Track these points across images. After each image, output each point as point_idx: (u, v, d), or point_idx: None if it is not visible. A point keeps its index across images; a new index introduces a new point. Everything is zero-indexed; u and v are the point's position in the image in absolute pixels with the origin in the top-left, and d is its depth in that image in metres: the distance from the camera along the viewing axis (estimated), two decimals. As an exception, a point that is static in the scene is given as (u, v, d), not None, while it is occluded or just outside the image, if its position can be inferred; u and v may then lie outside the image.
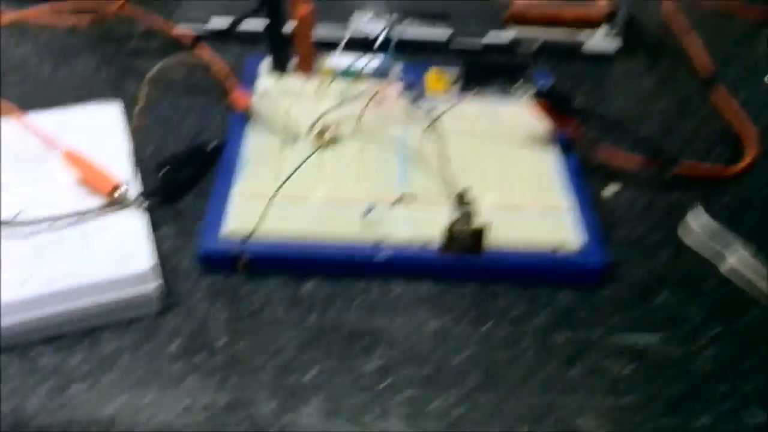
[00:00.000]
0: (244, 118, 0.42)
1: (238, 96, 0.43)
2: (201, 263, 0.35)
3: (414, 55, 0.49)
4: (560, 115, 0.42)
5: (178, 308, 0.33)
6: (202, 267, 0.35)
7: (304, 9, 0.43)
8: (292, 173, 0.37)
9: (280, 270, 0.35)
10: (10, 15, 0.50)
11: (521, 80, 0.45)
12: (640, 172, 0.42)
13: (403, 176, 0.39)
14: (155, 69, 0.38)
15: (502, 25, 0.52)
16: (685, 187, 0.42)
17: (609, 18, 0.53)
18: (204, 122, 0.43)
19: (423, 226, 0.36)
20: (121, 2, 0.49)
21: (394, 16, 0.51)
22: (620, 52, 0.53)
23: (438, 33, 0.52)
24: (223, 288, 0.34)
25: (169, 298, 0.33)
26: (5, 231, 0.34)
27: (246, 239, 0.35)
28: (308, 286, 0.35)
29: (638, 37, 0.55)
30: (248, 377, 0.31)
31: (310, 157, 0.39)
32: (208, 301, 0.34)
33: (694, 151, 0.44)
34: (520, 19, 0.52)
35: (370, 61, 0.46)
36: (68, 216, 0.35)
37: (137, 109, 0.36)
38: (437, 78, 0.47)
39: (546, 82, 0.46)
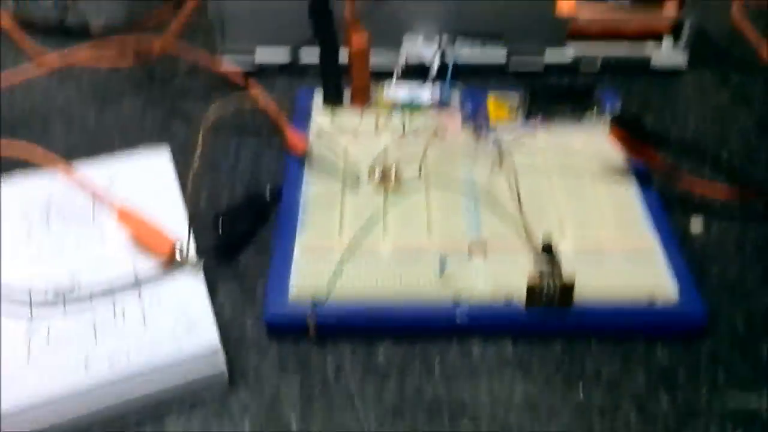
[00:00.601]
0: (300, 160, 0.39)
1: (292, 137, 0.40)
2: (267, 328, 0.33)
3: (471, 79, 0.47)
4: (635, 143, 0.39)
5: (246, 382, 0.31)
6: (267, 332, 0.33)
7: (360, 38, 0.40)
8: (366, 231, 0.35)
9: (351, 333, 0.32)
10: (52, 59, 0.48)
11: (589, 105, 0.42)
12: (728, 203, 0.39)
13: (474, 220, 0.36)
14: (210, 113, 0.36)
15: (562, 41, 0.49)
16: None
17: (675, 29, 0.50)
18: (257, 165, 0.41)
19: (501, 276, 0.33)
20: (164, 39, 0.47)
21: (445, 37, 0.48)
22: (690, 66, 0.50)
23: (494, 54, 0.49)
24: (292, 357, 0.32)
25: (235, 370, 0.31)
26: (60, 308, 0.32)
27: (315, 302, 0.32)
28: (382, 349, 0.32)
29: (708, 49, 0.51)
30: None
31: (372, 203, 0.36)
32: (277, 373, 0.31)
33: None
34: (581, 34, 0.49)
35: (427, 91, 0.43)
36: (124, 285, 0.33)
37: (195, 157, 0.34)
38: (499, 105, 0.44)
39: (614, 103, 0.43)
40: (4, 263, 0.34)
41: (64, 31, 0.52)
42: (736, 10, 0.55)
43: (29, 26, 0.52)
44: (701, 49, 0.50)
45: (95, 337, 0.31)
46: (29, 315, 0.32)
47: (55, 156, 0.39)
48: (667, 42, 0.50)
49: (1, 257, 0.35)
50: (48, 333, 0.31)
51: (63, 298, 0.33)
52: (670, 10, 0.49)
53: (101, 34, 0.52)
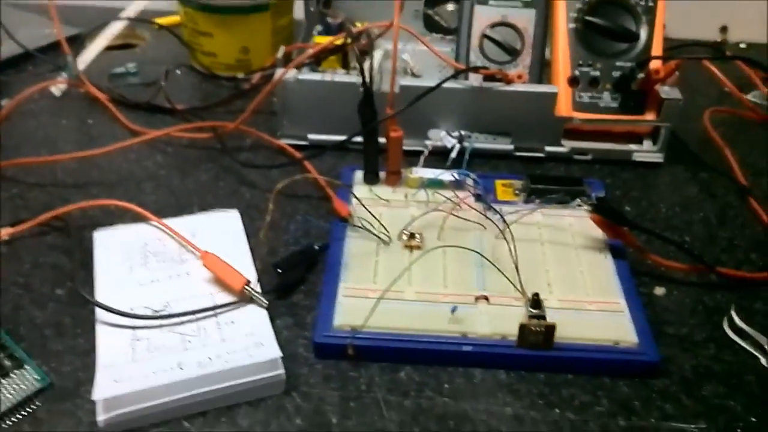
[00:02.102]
0: (343, 223, 0.50)
1: (338, 204, 0.50)
2: (315, 351, 0.42)
3: (484, 162, 0.58)
4: (611, 225, 0.48)
5: (298, 389, 0.40)
6: (315, 354, 0.42)
7: (396, 133, 0.51)
8: (395, 280, 0.44)
9: (381, 358, 0.42)
10: (143, 132, 0.60)
11: (578, 192, 0.52)
12: (686, 275, 0.48)
13: (480, 276, 0.46)
14: (279, 186, 0.46)
15: (558, 139, 0.60)
16: (726, 288, 0.48)
17: (654, 133, 0.60)
18: (308, 225, 0.51)
19: (499, 320, 0.43)
20: (237, 122, 0.58)
21: (464, 133, 0.59)
22: (666, 162, 0.60)
23: (503, 145, 0.60)
24: (334, 373, 0.41)
25: (290, 380, 0.40)
26: (157, 321, 0.42)
27: (354, 332, 0.42)
28: (404, 372, 0.41)
29: (682, 149, 0.62)
30: (358, 450, 0.37)
31: (400, 259, 0.46)
32: (322, 384, 0.40)
33: (731, 256, 0.50)
34: (576, 134, 0.60)
35: (447, 173, 0.53)
36: (205, 311, 0.43)
37: (266, 222, 0.44)
38: (505, 188, 0.54)
39: (598, 192, 0.53)
40: (111, 290, 0.44)
41: (151, 109, 0.64)
42: (706, 118, 0.66)
43: (122, 104, 0.64)
44: (676, 149, 0.61)
45: (185, 348, 0.40)
46: (132, 327, 0.42)
47: (149, 212, 0.49)
48: (647, 142, 0.61)
49: (110, 285, 0.45)
50: (148, 343, 0.41)
51: (158, 317, 0.42)
52: (650, 117, 0.59)
53: (183, 113, 0.63)
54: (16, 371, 0.40)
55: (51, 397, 0.39)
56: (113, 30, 0.74)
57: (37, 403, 0.39)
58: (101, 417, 0.37)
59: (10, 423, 0.38)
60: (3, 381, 0.39)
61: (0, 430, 0.37)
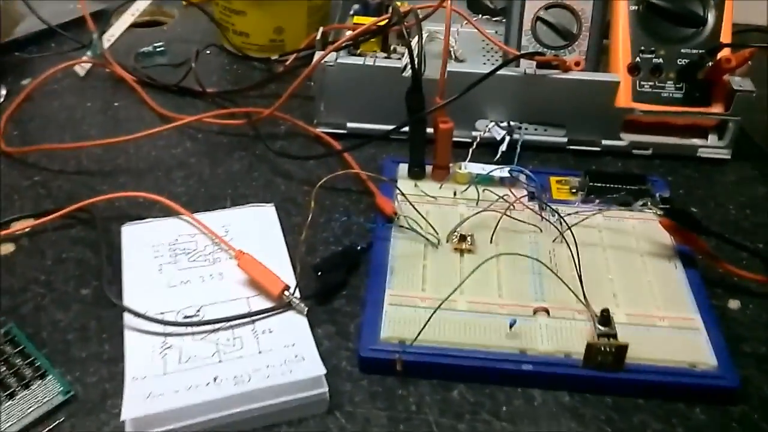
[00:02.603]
0: (388, 221, 0.46)
1: (382, 201, 0.47)
2: (360, 365, 0.38)
3: (534, 155, 0.54)
4: (682, 231, 0.44)
5: (342, 409, 0.37)
6: (360, 368, 0.38)
7: (446, 125, 0.47)
8: (451, 293, 0.41)
9: (432, 374, 0.38)
10: (172, 116, 0.56)
11: (641, 192, 0.48)
12: (763, 285, 0.44)
13: (538, 286, 0.42)
14: (321, 182, 0.42)
15: (617, 132, 0.55)
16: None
17: (720, 127, 0.56)
18: (348, 224, 0.47)
19: (562, 337, 0.39)
20: (272, 109, 0.54)
21: (513, 124, 0.54)
22: (732, 158, 0.55)
23: (556, 137, 0.55)
24: (381, 390, 0.38)
25: (333, 398, 0.37)
26: (189, 329, 0.39)
27: (402, 345, 0.38)
28: (457, 391, 0.38)
29: (749, 144, 0.57)
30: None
31: (450, 263, 0.43)
32: (368, 403, 0.37)
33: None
34: (635, 127, 0.56)
35: (499, 169, 0.49)
36: (242, 317, 0.39)
37: (307, 221, 0.41)
38: (560, 186, 0.50)
39: (663, 192, 0.49)
40: (140, 292, 0.41)
41: (180, 92, 0.60)
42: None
43: (149, 86, 0.60)
44: (743, 144, 0.56)
45: (219, 360, 0.37)
46: (163, 335, 0.38)
47: (179, 204, 0.46)
48: (712, 136, 0.56)
49: (138, 286, 0.41)
50: (180, 352, 0.37)
51: (191, 324, 0.39)
52: (717, 109, 0.55)
53: (214, 97, 0.60)
54: (38, 381, 0.37)
55: (75, 411, 0.36)
56: (140, 6, 0.70)
57: (60, 417, 0.36)
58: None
59: (32, 439, 0.35)
60: (25, 392, 0.36)
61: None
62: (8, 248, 0.45)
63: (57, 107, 0.58)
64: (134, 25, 0.70)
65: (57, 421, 0.35)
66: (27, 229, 0.46)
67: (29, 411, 0.35)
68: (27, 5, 0.65)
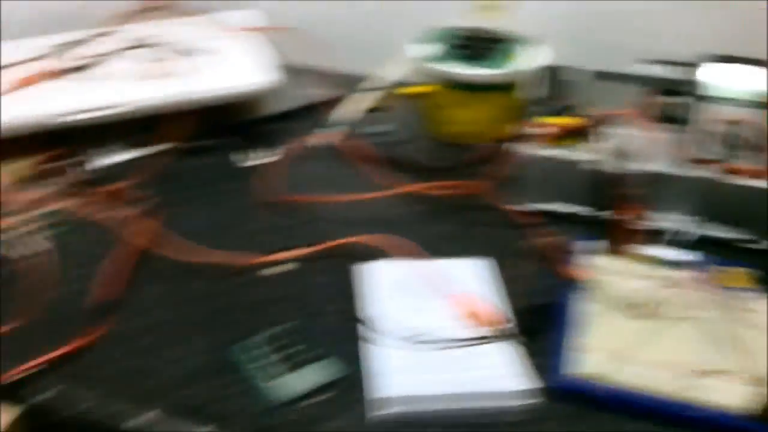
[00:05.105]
0: (577, 285, 0.55)
1: (576, 269, 0.56)
2: (555, 392, 0.47)
3: (709, 248, 0.61)
4: None
5: (537, 424, 0.45)
6: (555, 395, 0.47)
7: (634, 214, 0.56)
8: (631, 345, 0.49)
9: (614, 409, 0.46)
10: (406, 187, 0.69)
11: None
12: None
13: (709, 351, 0.49)
14: (532, 244, 0.53)
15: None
16: None
17: None
18: (546, 282, 0.57)
19: (727, 395, 0.46)
20: (482, 184, 0.66)
21: (697, 218, 0.62)
22: None
23: (731, 234, 0.62)
24: (570, 415, 0.46)
25: (527, 414, 0.46)
26: (413, 345, 0.50)
27: (593, 382, 0.47)
28: (633, 426, 0.46)
29: None
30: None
31: (637, 327, 0.51)
32: (559, 424, 0.46)
33: None
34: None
35: (677, 253, 0.57)
36: (459, 340, 0.50)
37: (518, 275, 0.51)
38: (737, 276, 0.57)
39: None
40: (382, 312, 0.53)
41: (396, 165, 0.73)
42: None
43: (376, 159, 0.74)
44: None
45: (445, 370, 0.47)
46: (393, 345, 0.50)
47: (410, 248, 0.58)
48: None
49: (380, 308, 0.53)
50: (416, 359, 0.49)
51: (424, 342, 0.50)
52: None
53: (428, 171, 0.72)
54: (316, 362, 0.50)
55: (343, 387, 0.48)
56: (371, 96, 0.86)
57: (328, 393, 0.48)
58: (381, 411, 0.45)
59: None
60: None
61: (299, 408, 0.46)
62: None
63: (308, 168, 0.73)
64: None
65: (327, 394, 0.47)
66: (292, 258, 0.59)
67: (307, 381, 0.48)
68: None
